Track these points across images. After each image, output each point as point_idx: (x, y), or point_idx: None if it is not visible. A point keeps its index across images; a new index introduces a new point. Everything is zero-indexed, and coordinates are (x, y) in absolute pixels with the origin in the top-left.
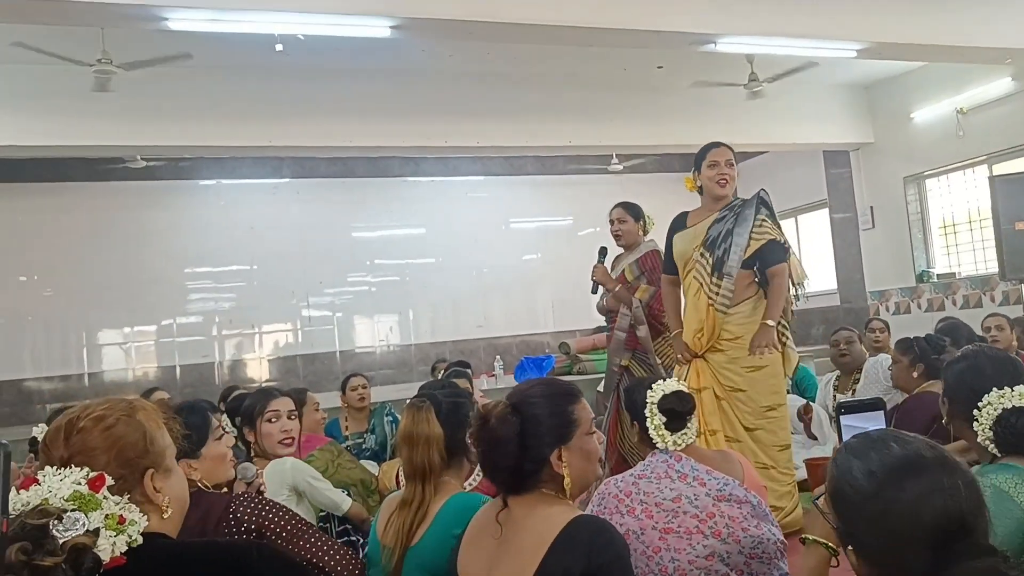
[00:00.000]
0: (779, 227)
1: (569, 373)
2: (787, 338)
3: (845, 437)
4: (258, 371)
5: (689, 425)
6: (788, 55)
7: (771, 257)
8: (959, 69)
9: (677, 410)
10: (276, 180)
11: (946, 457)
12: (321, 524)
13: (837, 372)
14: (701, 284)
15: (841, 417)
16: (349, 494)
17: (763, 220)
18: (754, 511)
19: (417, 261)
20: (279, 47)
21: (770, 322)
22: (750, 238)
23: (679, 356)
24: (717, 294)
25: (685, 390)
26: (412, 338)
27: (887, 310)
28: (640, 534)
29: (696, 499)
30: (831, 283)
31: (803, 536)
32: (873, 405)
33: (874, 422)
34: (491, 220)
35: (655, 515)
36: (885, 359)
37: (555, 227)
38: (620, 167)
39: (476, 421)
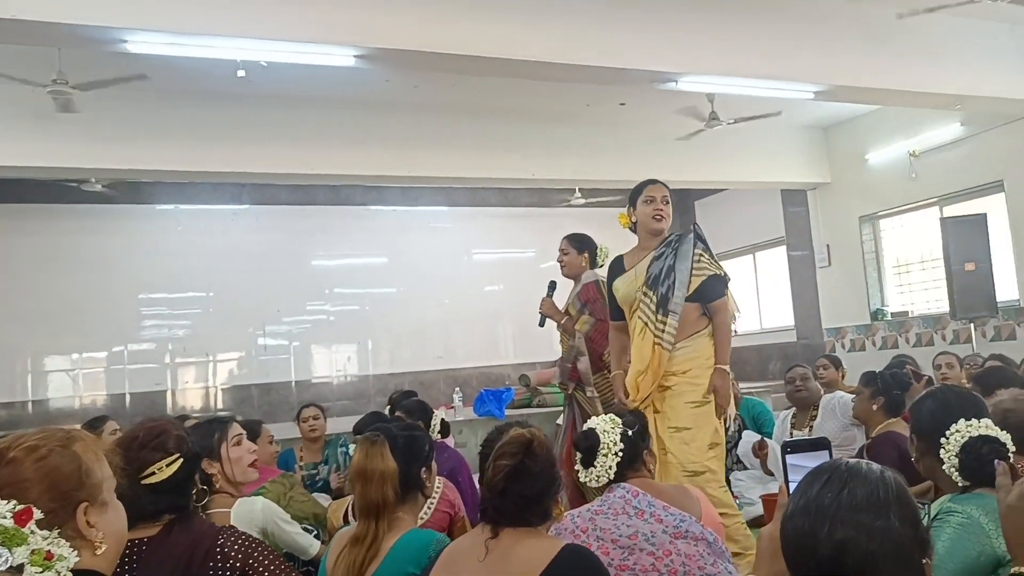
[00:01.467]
0: (715, 260)
1: (528, 405)
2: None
3: (791, 476)
4: (211, 400)
5: (597, 463)
6: (749, 96)
7: (711, 292)
8: (912, 113)
9: (580, 446)
10: (236, 206)
11: (852, 506)
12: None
13: (794, 408)
14: (646, 323)
15: (787, 456)
16: (318, 535)
17: (700, 255)
18: (711, 549)
19: (377, 291)
20: (241, 73)
21: (724, 367)
22: (691, 274)
23: (619, 397)
24: (663, 331)
25: (599, 427)
26: (371, 368)
27: (843, 347)
28: None
29: (653, 536)
30: (788, 320)
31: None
32: (818, 444)
33: (819, 461)
34: (453, 251)
35: (611, 552)
36: (841, 396)
37: (517, 259)
38: (582, 201)
39: (512, 446)
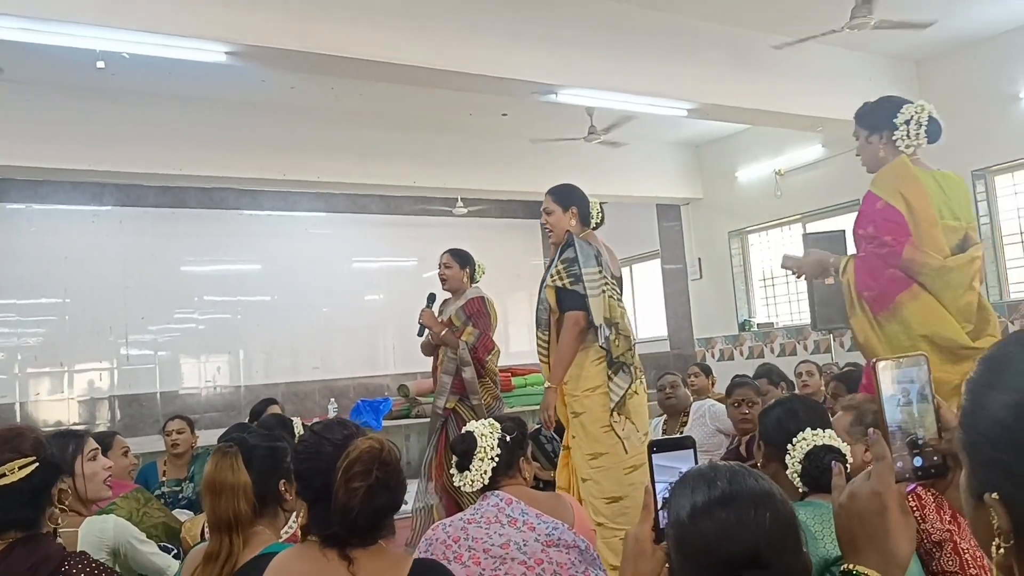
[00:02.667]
0: (574, 271)
1: (407, 416)
2: (611, 380)
3: (657, 476)
4: (67, 413)
5: (473, 467)
6: (626, 111)
7: (562, 305)
8: (778, 134)
9: (457, 449)
10: (97, 207)
11: (764, 493)
12: None
13: (665, 415)
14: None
15: (653, 455)
16: (177, 555)
17: (556, 264)
18: (582, 556)
19: (251, 299)
20: (100, 64)
21: (548, 385)
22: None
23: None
24: (538, 345)
25: (477, 431)
26: (242, 379)
27: (713, 356)
28: None
29: (525, 545)
30: (662, 330)
31: None
32: (683, 444)
33: (685, 461)
34: (333, 259)
35: (483, 562)
36: (712, 404)
37: (399, 268)
38: (465, 211)
39: (371, 460)
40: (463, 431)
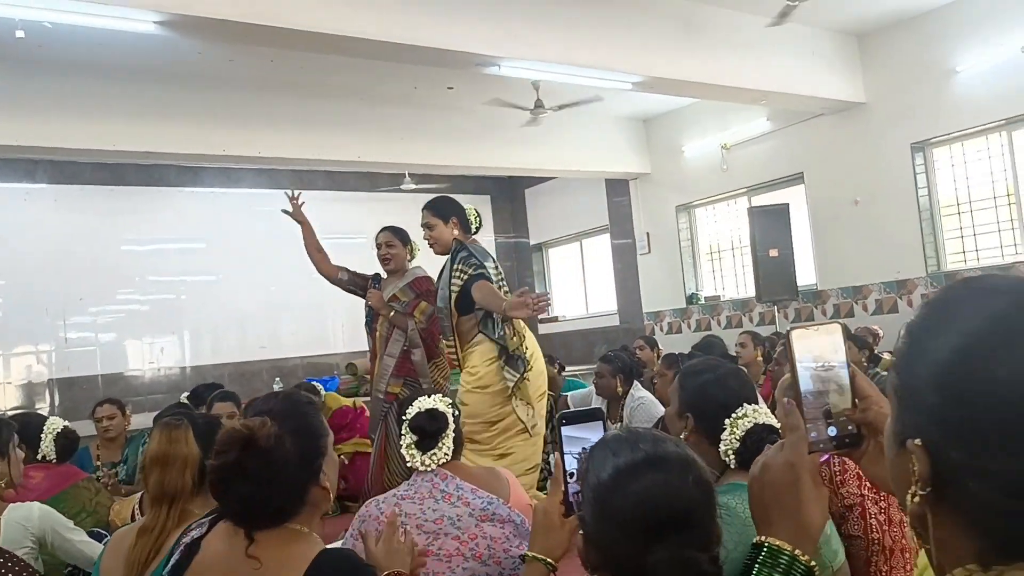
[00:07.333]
0: (474, 262)
1: (356, 394)
2: (504, 369)
3: (566, 448)
4: (3, 397)
5: (441, 444)
6: (573, 84)
7: (469, 296)
8: (724, 108)
9: (427, 429)
10: (29, 185)
11: (687, 456)
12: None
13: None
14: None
15: (562, 428)
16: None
17: (451, 269)
18: (516, 531)
19: (195, 278)
20: (20, 34)
21: (495, 314)
22: (449, 294)
23: None
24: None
25: (440, 408)
26: (187, 360)
27: (661, 330)
28: None
29: (459, 520)
30: (612, 305)
31: (523, 553)
32: (593, 415)
33: (594, 432)
34: (278, 236)
35: (416, 538)
36: (641, 400)
37: (348, 245)
38: (413, 186)
39: (232, 443)
40: (424, 409)
